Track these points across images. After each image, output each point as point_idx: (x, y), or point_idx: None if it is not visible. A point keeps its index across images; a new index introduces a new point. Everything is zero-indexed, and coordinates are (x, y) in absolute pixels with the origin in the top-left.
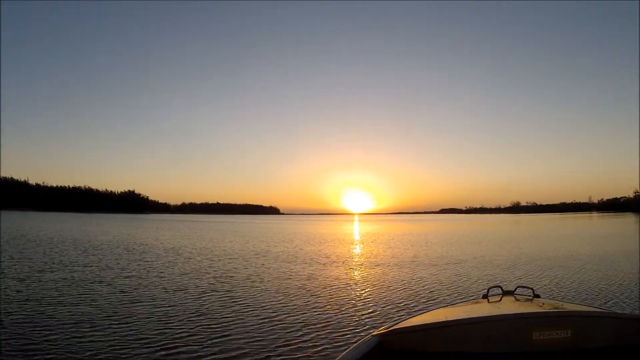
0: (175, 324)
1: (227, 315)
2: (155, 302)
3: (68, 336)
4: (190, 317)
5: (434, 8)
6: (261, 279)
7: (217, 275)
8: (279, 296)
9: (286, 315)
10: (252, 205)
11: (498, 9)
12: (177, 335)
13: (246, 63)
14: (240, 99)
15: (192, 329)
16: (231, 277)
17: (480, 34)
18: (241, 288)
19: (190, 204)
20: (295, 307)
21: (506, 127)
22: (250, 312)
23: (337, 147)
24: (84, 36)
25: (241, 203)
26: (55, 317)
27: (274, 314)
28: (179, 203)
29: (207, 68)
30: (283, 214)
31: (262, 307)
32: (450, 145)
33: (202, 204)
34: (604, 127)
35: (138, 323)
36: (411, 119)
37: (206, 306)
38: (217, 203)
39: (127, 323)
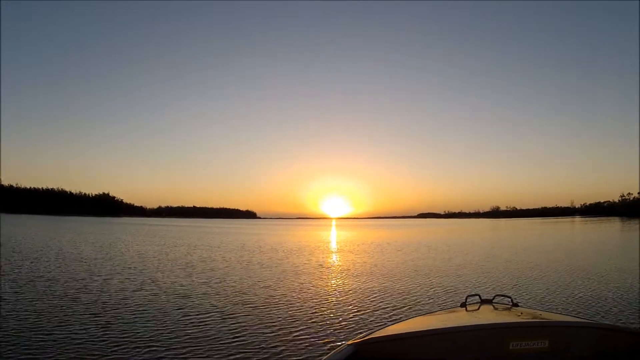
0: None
1: (200, 327)
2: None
3: None
4: (159, 331)
5: (421, 14)
6: (231, 289)
7: (181, 287)
8: (250, 306)
9: (259, 325)
10: (229, 209)
11: (478, 13)
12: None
13: (227, 67)
14: (219, 102)
15: (162, 343)
16: (200, 286)
17: (464, 41)
18: (210, 299)
19: (167, 207)
20: (268, 316)
21: (485, 131)
22: (221, 323)
23: (316, 152)
24: (57, 34)
25: (217, 207)
26: None
27: (247, 325)
28: (155, 206)
29: (186, 71)
30: (260, 218)
31: (233, 318)
32: (429, 150)
33: (178, 208)
34: (586, 131)
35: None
36: (390, 124)
37: (176, 318)
38: (194, 207)
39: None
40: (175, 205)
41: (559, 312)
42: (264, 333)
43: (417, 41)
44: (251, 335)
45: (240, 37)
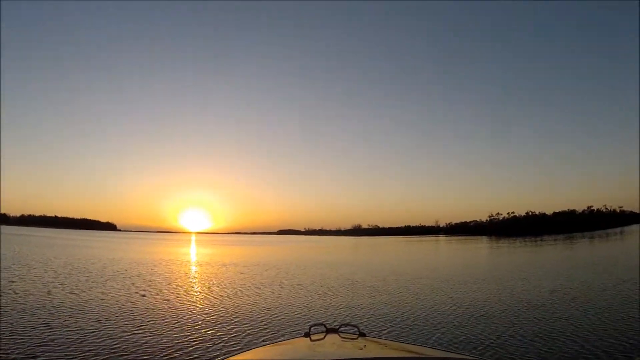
0: None
1: None
2: None
3: None
4: None
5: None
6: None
7: None
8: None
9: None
10: (88, 220)
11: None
12: None
13: (88, 71)
14: (82, 107)
15: None
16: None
17: (321, 55)
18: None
19: (29, 215)
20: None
21: (346, 148)
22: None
23: (176, 163)
24: None
25: (79, 217)
26: None
27: None
28: (19, 214)
29: (52, 70)
30: (120, 230)
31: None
32: (289, 166)
33: (40, 217)
34: (452, 151)
35: None
36: (251, 139)
37: None
38: (55, 216)
39: None
40: (38, 214)
41: (409, 341)
42: None
43: (275, 52)
44: None
45: (93, 37)
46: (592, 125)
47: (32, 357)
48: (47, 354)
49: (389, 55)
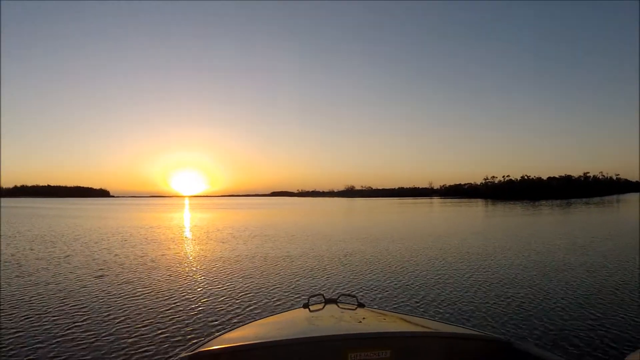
0: None
1: None
2: None
3: None
4: None
5: None
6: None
7: None
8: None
9: (78, 336)
10: (82, 188)
11: None
12: None
13: (68, 37)
14: (67, 74)
15: None
16: None
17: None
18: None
19: (22, 186)
20: (91, 321)
21: (338, 109)
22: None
23: (167, 125)
24: None
25: (72, 185)
26: None
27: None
28: (11, 186)
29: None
30: (113, 196)
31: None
32: (285, 128)
33: (33, 187)
34: (446, 114)
35: None
36: (245, 99)
37: None
38: (48, 185)
39: None
40: (30, 184)
41: (407, 312)
42: (86, 343)
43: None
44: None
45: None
46: (589, 94)
47: None
48: None
49: (382, 16)
